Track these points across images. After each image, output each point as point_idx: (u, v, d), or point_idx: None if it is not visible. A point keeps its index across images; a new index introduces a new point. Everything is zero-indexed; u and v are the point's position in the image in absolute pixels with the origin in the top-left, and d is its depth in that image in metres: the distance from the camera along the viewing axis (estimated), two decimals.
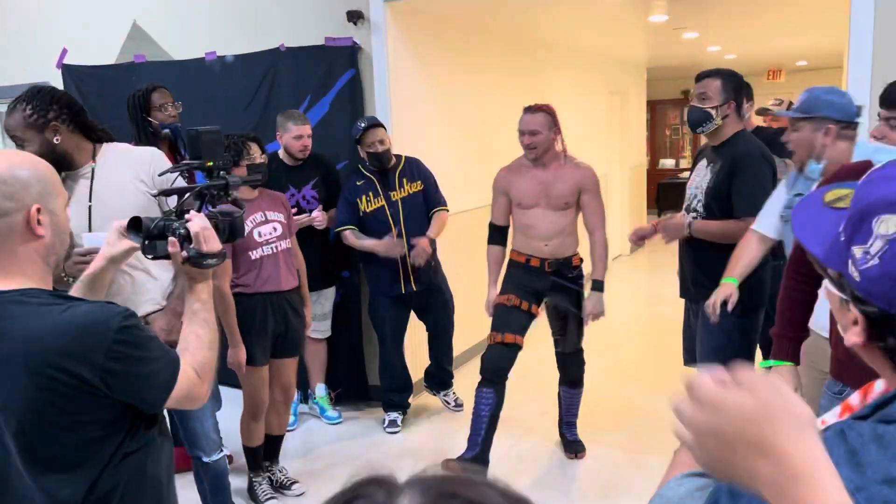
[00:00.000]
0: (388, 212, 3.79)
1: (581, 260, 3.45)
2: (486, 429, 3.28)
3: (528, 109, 3.30)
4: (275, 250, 3.17)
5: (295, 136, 3.74)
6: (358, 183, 3.81)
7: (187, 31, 4.55)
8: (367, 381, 4.36)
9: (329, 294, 4.05)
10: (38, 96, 2.22)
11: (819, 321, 2.04)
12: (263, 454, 3.30)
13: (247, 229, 3.07)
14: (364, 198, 3.78)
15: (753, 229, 2.52)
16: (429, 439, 3.94)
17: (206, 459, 2.64)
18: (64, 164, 2.26)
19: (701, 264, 2.95)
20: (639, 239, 3.33)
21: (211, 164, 1.70)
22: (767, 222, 2.48)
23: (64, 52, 4.72)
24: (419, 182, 3.86)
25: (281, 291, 3.17)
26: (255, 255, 3.12)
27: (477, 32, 5.17)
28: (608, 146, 8.27)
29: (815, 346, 2.07)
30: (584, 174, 3.33)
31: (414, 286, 3.85)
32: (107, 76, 4.61)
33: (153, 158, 2.47)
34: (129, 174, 2.38)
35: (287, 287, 3.20)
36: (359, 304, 4.27)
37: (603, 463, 3.54)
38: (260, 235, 3.15)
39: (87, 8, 4.87)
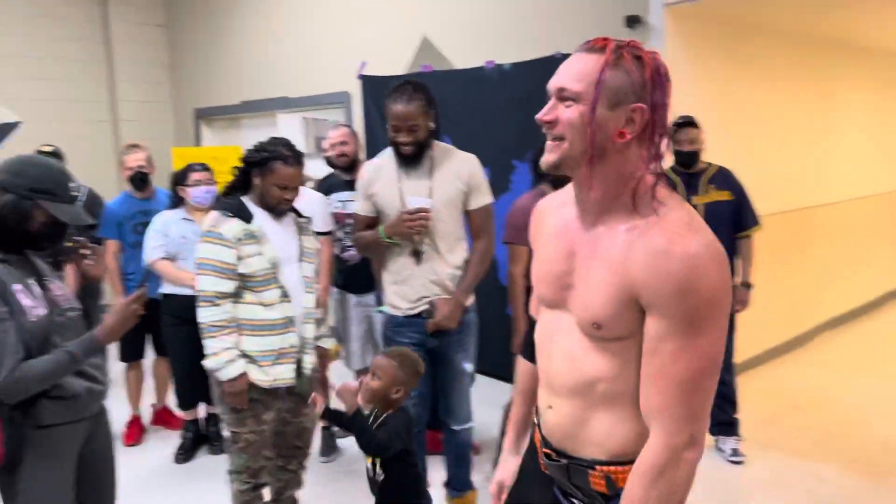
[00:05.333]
0: None
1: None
2: None
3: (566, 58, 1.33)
4: None
5: None
6: None
7: (470, 42, 4.86)
8: None
9: None
10: (423, 89, 2.72)
11: None
12: None
13: None
14: None
15: None
16: None
17: (455, 427, 2.91)
18: (427, 146, 2.74)
19: None
20: None
21: None
22: None
23: (362, 64, 5.29)
24: (728, 192, 3.67)
25: None
26: None
27: (760, 33, 4.87)
28: None
29: None
30: (659, 259, 1.22)
31: None
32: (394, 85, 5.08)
33: (473, 163, 2.84)
34: (454, 168, 2.78)
35: None
36: None
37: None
38: None
39: (384, 25, 5.42)
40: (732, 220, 3.68)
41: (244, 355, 2.55)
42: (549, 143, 1.29)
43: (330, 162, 4.84)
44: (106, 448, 2.21)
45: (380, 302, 3.34)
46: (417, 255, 2.73)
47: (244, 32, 6.59)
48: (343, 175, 3.87)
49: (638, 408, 1.29)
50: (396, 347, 2.49)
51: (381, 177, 2.78)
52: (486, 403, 3.65)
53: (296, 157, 2.59)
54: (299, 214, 2.77)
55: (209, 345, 2.52)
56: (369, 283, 3.64)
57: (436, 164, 2.74)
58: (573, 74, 1.25)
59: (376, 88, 5.20)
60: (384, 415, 2.31)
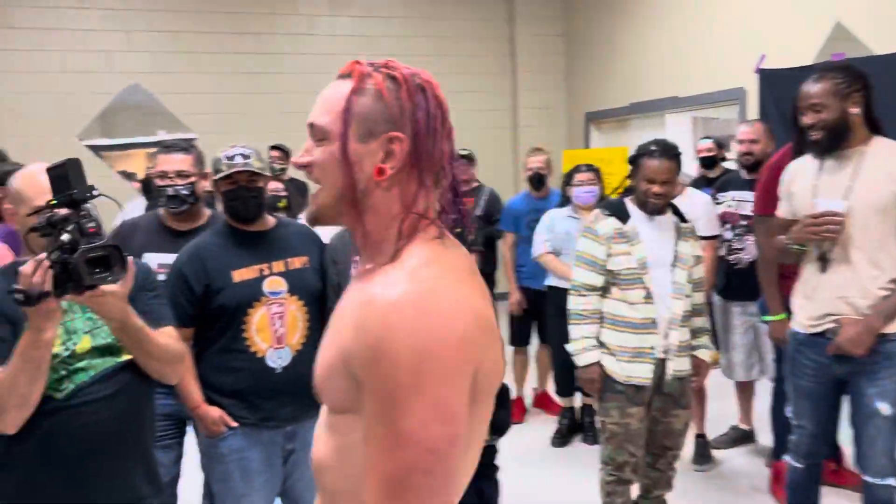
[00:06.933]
0: None
1: None
2: None
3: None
4: None
5: None
6: None
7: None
8: None
9: None
10: (847, 70, 2.44)
11: None
12: None
13: None
14: None
15: None
16: None
17: (868, 479, 2.47)
18: (843, 138, 2.40)
19: None
20: None
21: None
22: None
23: (762, 57, 4.97)
24: None
25: None
26: None
27: None
28: None
29: None
30: (363, 311, 0.95)
31: None
32: (799, 78, 4.65)
33: None
34: (890, 168, 2.37)
35: None
36: None
37: None
38: None
39: (787, 13, 5.02)
40: None
41: (603, 346, 2.67)
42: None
43: (705, 163, 4.72)
44: None
45: (764, 311, 3.13)
46: (824, 261, 2.44)
47: (638, 33, 6.67)
48: (744, 173, 3.70)
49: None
50: None
51: (800, 175, 2.54)
52: None
53: (664, 152, 2.62)
54: (683, 219, 2.74)
55: (571, 331, 2.73)
56: (754, 291, 3.42)
57: (865, 161, 2.38)
58: (320, 106, 1.04)
59: (776, 83, 4.83)
60: None
